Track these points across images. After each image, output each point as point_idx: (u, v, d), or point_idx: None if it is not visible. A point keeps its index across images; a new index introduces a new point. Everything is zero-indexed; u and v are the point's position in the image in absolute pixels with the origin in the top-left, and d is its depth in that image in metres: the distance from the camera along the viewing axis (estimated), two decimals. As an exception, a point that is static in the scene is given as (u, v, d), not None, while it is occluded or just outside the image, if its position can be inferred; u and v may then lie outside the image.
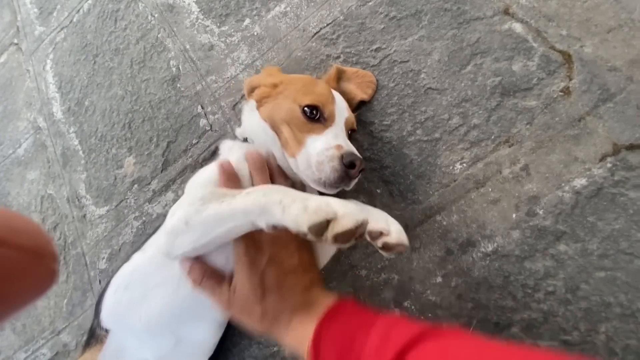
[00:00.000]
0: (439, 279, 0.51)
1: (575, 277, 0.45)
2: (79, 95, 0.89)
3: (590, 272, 0.45)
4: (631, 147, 0.47)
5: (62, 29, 0.98)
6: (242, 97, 0.69)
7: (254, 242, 0.41)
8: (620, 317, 0.43)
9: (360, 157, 0.44)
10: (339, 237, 0.32)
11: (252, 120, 0.53)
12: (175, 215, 0.42)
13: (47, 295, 0.79)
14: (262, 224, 0.37)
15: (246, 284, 0.41)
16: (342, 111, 0.49)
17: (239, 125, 0.59)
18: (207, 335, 0.52)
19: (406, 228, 0.54)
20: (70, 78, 0.92)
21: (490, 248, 0.49)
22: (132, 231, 0.73)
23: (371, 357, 0.32)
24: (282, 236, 0.41)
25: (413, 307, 0.51)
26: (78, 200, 0.81)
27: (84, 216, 0.79)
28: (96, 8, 0.94)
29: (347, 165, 0.42)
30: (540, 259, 0.47)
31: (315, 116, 0.47)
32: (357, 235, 0.33)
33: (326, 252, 0.51)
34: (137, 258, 0.51)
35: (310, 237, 0.33)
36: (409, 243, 0.42)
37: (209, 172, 0.48)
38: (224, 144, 0.56)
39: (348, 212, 0.33)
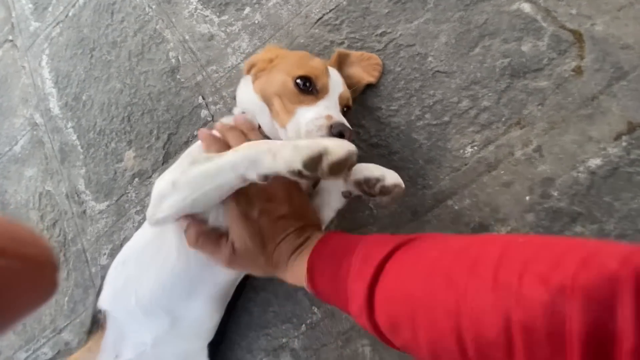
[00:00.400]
0: (452, 265, 0.50)
1: (593, 259, 0.44)
2: (76, 89, 0.87)
3: (608, 253, 0.44)
4: (647, 125, 0.46)
5: (57, 23, 0.96)
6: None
7: (244, 196, 0.42)
8: None
9: (350, 128, 0.44)
10: (333, 167, 0.34)
11: (245, 93, 0.53)
12: (163, 179, 0.42)
13: (47, 293, 0.77)
14: (253, 175, 0.37)
15: (245, 237, 0.42)
16: (336, 85, 0.49)
17: (235, 104, 0.58)
18: (203, 314, 0.51)
19: (416, 214, 0.53)
20: (67, 73, 0.90)
21: (503, 232, 0.48)
22: (133, 225, 0.72)
23: (356, 277, 0.35)
24: (270, 188, 0.42)
25: (426, 294, 0.50)
26: (77, 195, 0.79)
27: (84, 212, 0.78)
28: (92, 1, 0.92)
29: (336, 135, 0.42)
30: (556, 242, 0.46)
31: (308, 88, 0.47)
32: (349, 165, 0.36)
33: (330, 206, 0.51)
34: (135, 235, 0.52)
35: (305, 173, 0.34)
36: (404, 185, 0.45)
37: (198, 143, 0.48)
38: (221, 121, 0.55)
39: (338, 144, 0.35)
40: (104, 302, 0.51)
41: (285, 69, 0.49)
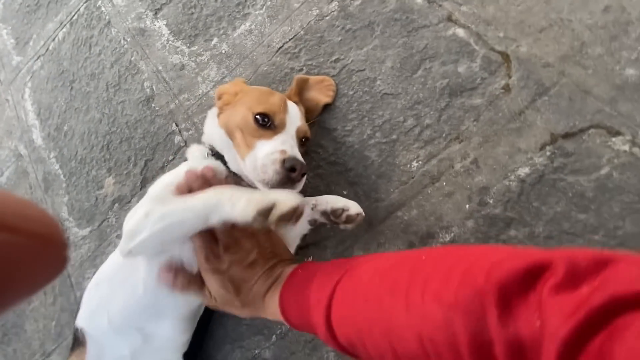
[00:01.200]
0: (404, 271, 0.54)
1: (525, 259, 0.49)
2: (57, 120, 0.92)
3: (538, 253, 0.49)
4: (566, 136, 0.51)
5: (38, 57, 1.01)
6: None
7: (212, 253, 0.45)
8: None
9: (303, 162, 0.48)
10: (282, 218, 0.39)
11: (211, 127, 0.57)
12: (136, 214, 0.45)
13: (35, 318, 0.80)
14: (215, 219, 0.41)
15: (219, 289, 0.45)
16: (294, 120, 0.53)
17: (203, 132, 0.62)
18: (174, 332, 0.55)
19: (371, 225, 0.57)
20: (49, 105, 0.94)
21: (448, 238, 0.53)
22: (115, 249, 0.75)
23: (315, 306, 0.38)
24: (236, 239, 0.45)
25: (382, 299, 0.54)
26: (61, 223, 0.83)
27: (68, 238, 0.81)
28: (71, 35, 0.97)
29: (288, 169, 0.46)
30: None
31: (267, 123, 0.51)
32: (296, 215, 0.40)
33: (296, 233, 0.57)
34: (109, 258, 0.57)
35: (258, 222, 0.39)
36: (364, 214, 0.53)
37: (172, 175, 0.50)
38: (190, 149, 0.59)
39: (286, 197, 0.40)
40: (80, 321, 0.55)
41: (247, 104, 0.53)
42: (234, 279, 0.45)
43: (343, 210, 0.53)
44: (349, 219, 0.53)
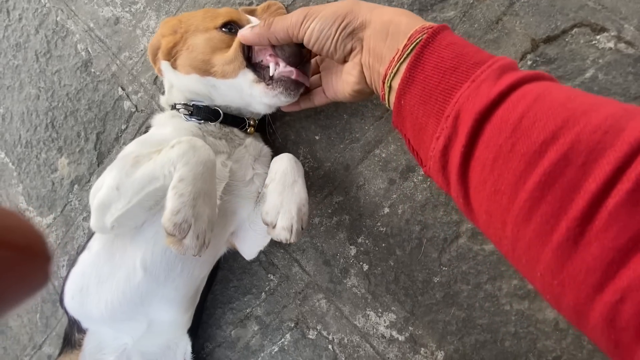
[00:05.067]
0: (387, 210, 0.51)
1: (510, 179, 0.47)
2: (-9, 104, 0.81)
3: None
4: (548, 40, 0.46)
5: (-49, 33, 0.87)
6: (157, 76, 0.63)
7: None
8: (554, 206, 0.45)
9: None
10: None
11: (179, 83, 0.49)
12: (104, 186, 0.41)
13: (18, 314, 0.77)
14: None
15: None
16: (256, 21, 0.47)
17: (162, 93, 0.55)
18: (175, 314, 0.52)
19: (348, 168, 0.54)
20: (-23, 87, 0.83)
21: (429, 169, 0.50)
22: (84, 232, 0.70)
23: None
24: None
25: (367, 241, 0.52)
26: (21, 214, 0.77)
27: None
28: (-18, 2, 0.82)
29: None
30: (477, 169, 0.48)
31: (234, 29, 0.46)
32: None
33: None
34: (84, 258, 0.49)
35: None
36: (294, 238, 0.41)
37: (137, 143, 0.46)
38: (155, 119, 0.52)
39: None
40: (73, 312, 0.50)
41: (201, 28, 0.46)
42: None
43: (268, 225, 0.43)
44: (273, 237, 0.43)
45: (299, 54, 0.42)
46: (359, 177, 0.53)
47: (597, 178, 0.20)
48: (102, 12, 0.70)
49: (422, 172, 0.50)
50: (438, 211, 0.49)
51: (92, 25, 0.71)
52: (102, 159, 0.70)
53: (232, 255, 0.56)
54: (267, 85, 0.43)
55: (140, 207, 0.41)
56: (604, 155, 0.20)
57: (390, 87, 0.33)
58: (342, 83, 0.41)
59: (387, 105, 0.36)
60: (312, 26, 0.37)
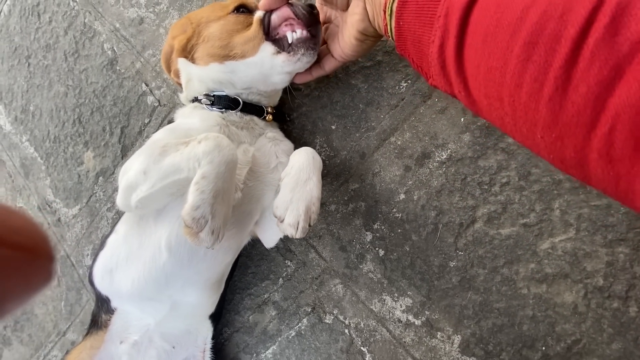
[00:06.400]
0: (402, 196, 0.52)
1: (526, 164, 0.47)
2: (22, 102, 0.86)
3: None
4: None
5: (-14, 37, 0.92)
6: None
7: None
8: (571, 190, 0.45)
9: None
10: None
11: (200, 75, 0.51)
12: (133, 168, 0.43)
13: (43, 302, 0.80)
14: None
15: None
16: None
17: (181, 91, 0.57)
18: (198, 298, 0.53)
19: (364, 156, 0.55)
20: (9, 87, 0.88)
21: (444, 155, 0.51)
22: (108, 223, 0.73)
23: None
24: None
25: (383, 227, 0.53)
26: (49, 206, 0.80)
27: (59, 220, 0.79)
28: (16, 7, 0.88)
29: (308, 7, 0.45)
30: (492, 155, 0.49)
31: (247, 11, 0.49)
32: None
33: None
34: (112, 240, 0.52)
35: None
36: (299, 234, 0.42)
37: (166, 128, 0.48)
38: (177, 112, 0.55)
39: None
40: (103, 289, 0.52)
41: (213, 19, 0.49)
42: None
43: (279, 219, 0.44)
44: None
45: (312, 13, 0.45)
46: (375, 164, 0.54)
47: (575, 23, 0.21)
48: (128, 13, 0.73)
49: (438, 159, 0.51)
50: (454, 196, 0.50)
51: (118, 25, 0.74)
52: (125, 152, 0.73)
53: (251, 242, 0.57)
54: (288, 53, 0.46)
55: (163, 192, 0.44)
56: (579, 1, 0.21)
57: (390, 14, 0.36)
58: (347, 30, 0.43)
59: (389, 36, 0.38)
60: None
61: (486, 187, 0.49)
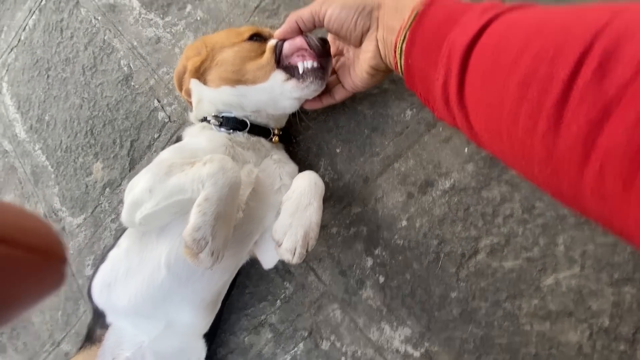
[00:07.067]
0: (404, 223, 0.52)
1: (530, 197, 0.47)
2: (38, 111, 0.88)
3: (543, 190, 0.47)
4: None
5: (11, 49, 0.97)
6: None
7: None
8: (575, 226, 0.45)
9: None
10: None
11: (208, 96, 0.52)
12: (139, 186, 0.44)
13: (41, 310, 0.80)
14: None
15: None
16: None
17: (191, 110, 0.59)
18: (193, 317, 0.53)
19: (367, 180, 0.55)
20: (28, 96, 0.91)
21: (447, 185, 0.51)
22: (111, 234, 0.74)
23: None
24: None
25: (384, 253, 0.53)
26: (55, 214, 0.81)
27: (63, 228, 0.80)
28: (41, 22, 0.92)
29: (319, 39, 0.46)
30: (496, 186, 0.49)
31: (261, 39, 0.50)
32: None
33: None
34: (114, 254, 0.52)
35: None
36: (295, 260, 0.42)
37: (173, 148, 0.50)
38: (186, 131, 0.56)
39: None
40: (100, 302, 0.51)
41: (227, 45, 0.51)
42: None
43: (277, 243, 0.44)
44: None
45: (324, 46, 0.47)
46: (378, 189, 0.54)
47: (566, 66, 0.22)
48: (146, 32, 0.77)
49: (441, 188, 0.51)
50: (456, 226, 0.50)
51: (135, 43, 0.77)
52: (134, 165, 0.74)
53: (250, 262, 0.57)
54: (298, 80, 0.47)
55: (167, 211, 0.44)
56: (569, 45, 0.23)
57: (400, 52, 0.38)
58: (359, 64, 0.46)
59: (399, 72, 0.40)
60: (333, 7, 0.43)
61: (489, 218, 0.48)
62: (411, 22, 0.37)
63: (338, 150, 0.58)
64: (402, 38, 0.38)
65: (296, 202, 0.44)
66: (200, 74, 0.52)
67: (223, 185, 0.40)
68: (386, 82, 0.56)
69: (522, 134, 0.25)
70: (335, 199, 0.57)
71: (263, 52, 0.49)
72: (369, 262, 0.54)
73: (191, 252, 0.38)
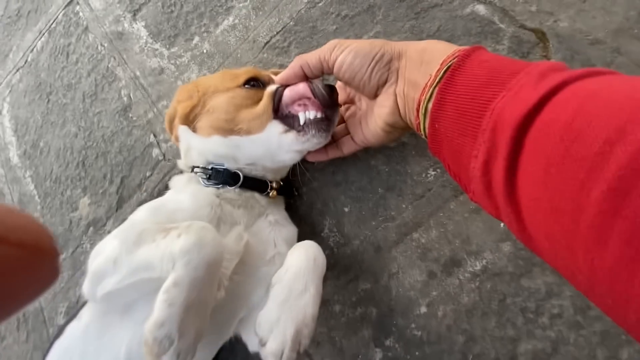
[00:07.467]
0: (424, 309, 0.43)
1: (585, 294, 0.37)
2: (34, 136, 0.84)
3: (602, 286, 0.37)
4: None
5: (17, 70, 0.94)
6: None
7: None
8: (647, 339, 0.35)
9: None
10: None
11: (200, 146, 0.46)
12: (104, 254, 0.37)
13: (8, 357, 0.72)
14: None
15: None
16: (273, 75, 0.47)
17: (180, 157, 0.52)
18: None
19: (380, 250, 0.47)
20: (26, 120, 0.87)
21: (478, 266, 0.42)
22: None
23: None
24: None
25: (397, 345, 0.43)
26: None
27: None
28: (49, 45, 0.90)
29: (327, 88, 0.41)
30: (540, 275, 0.39)
31: (258, 85, 0.45)
32: None
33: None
34: (72, 329, 0.44)
35: None
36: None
37: (148, 211, 0.42)
38: (173, 181, 0.49)
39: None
40: None
41: (221, 90, 0.45)
42: None
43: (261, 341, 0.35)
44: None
45: (331, 95, 0.41)
46: (392, 263, 0.46)
47: None
48: (150, 62, 0.72)
49: (470, 269, 0.42)
50: (489, 321, 0.40)
51: (138, 73, 0.73)
52: (121, 204, 0.67)
53: (236, 339, 0.48)
54: (298, 132, 0.41)
55: (133, 289, 0.37)
56: None
57: (425, 113, 0.32)
58: (373, 119, 0.40)
59: (422, 134, 0.34)
60: (345, 53, 0.37)
61: (531, 315, 0.39)
62: (440, 78, 0.30)
63: (346, 210, 0.50)
64: (427, 96, 0.31)
65: (288, 287, 0.36)
66: (190, 120, 0.46)
67: (198, 265, 0.32)
68: (405, 136, 0.48)
69: (614, 264, 0.17)
70: (340, 270, 0.48)
71: (260, 98, 0.43)
72: (378, 354, 0.44)
73: (152, 352, 0.30)
